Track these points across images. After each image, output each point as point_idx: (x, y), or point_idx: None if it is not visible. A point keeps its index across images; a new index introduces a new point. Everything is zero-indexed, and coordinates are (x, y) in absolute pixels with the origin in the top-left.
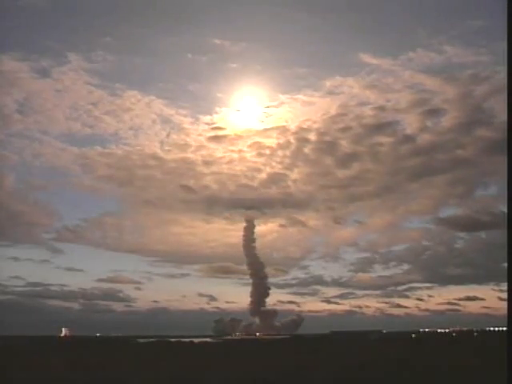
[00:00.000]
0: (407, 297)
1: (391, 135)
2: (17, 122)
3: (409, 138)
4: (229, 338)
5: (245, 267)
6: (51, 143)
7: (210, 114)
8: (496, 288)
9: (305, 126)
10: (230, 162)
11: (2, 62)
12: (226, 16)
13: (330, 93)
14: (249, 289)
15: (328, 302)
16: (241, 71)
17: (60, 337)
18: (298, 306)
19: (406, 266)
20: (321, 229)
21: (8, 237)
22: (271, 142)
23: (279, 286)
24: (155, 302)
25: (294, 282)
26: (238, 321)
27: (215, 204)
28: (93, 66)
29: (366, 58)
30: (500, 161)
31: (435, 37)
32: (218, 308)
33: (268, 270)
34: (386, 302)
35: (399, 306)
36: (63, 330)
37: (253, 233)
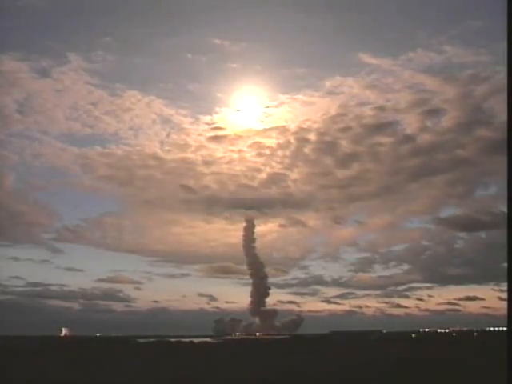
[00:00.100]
0: (407, 297)
1: (391, 135)
2: (17, 122)
3: (409, 138)
4: (229, 337)
5: (245, 267)
6: (51, 143)
7: (210, 114)
8: (496, 288)
9: (305, 126)
10: (230, 161)
11: (2, 62)
12: (226, 16)
13: (330, 93)
14: (249, 289)
15: (328, 301)
16: (241, 71)
17: (60, 337)
18: (298, 306)
19: (405, 266)
20: (321, 229)
21: (8, 237)
22: (271, 142)
23: (279, 286)
24: (155, 302)
25: (293, 282)
26: (238, 321)
27: (215, 204)
28: (93, 66)
29: (366, 58)
30: (500, 161)
31: (435, 37)
32: (217, 308)
33: (268, 270)
34: (386, 302)
35: (399, 305)
36: (63, 330)
37: (253, 233)
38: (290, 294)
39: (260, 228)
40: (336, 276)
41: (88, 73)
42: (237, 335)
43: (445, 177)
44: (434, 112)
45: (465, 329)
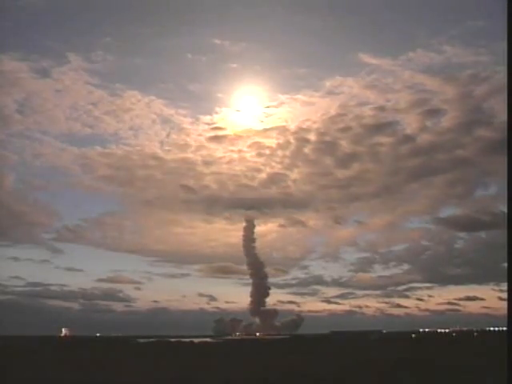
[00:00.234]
0: (407, 297)
1: (391, 135)
2: (17, 122)
3: (409, 138)
4: (229, 337)
5: (245, 267)
6: (51, 143)
7: (210, 114)
8: (496, 288)
9: (304, 126)
10: (230, 162)
11: (2, 62)
12: (226, 16)
13: (330, 93)
14: (249, 289)
15: (328, 301)
16: (241, 71)
17: (60, 337)
18: (298, 306)
19: (405, 266)
20: (321, 229)
21: (8, 237)
22: (271, 142)
23: (279, 286)
24: (155, 301)
25: (293, 282)
26: (238, 321)
27: (215, 204)
28: (93, 66)
29: (366, 58)
30: (500, 161)
31: (435, 37)
32: (218, 308)
33: (268, 270)
34: (386, 302)
35: (399, 306)
36: (63, 330)
37: (253, 233)
38: (290, 293)
39: (260, 228)
40: (336, 276)
41: (88, 73)
42: (237, 335)
43: (445, 177)
44: (434, 112)
45: (465, 329)
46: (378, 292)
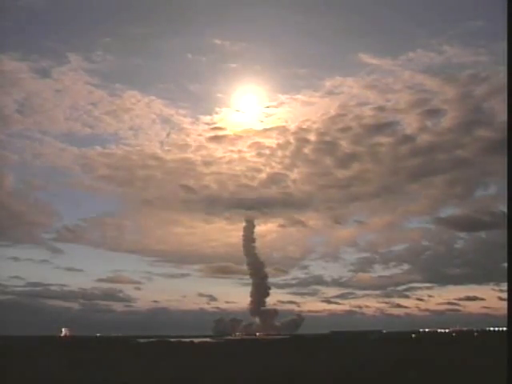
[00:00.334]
0: (407, 297)
1: (391, 135)
2: (17, 122)
3: (408, 138)
4: (229, 337)
5: (245, 267)
6: (51, 143)
7: (210, 114)
8: (496, 288)
9: (304, 126)
10: (230, 162)
11: (2, 62)
12: (226, 16)
13: (330, 93)
14: (249, 289)
15: (328, 302)
16: (241, 71)
17: (60, 337)
18: (298, 306)
19: (405, 266)
20: (321, 229)
21: (8, 237)
22: (271, 142)
23: (279, 286)
24: (155, 301)
25: (293, 281)
26: (238, 321)
27: (215, 204)
28: (93, 66)
29: (366, 58)
30: (500, 161)
31: (435, 37)
32: (218, 308)
33: (268, 270)
34: (386, 302)
35: (399, 305)
36: (63, 330)
37: (253, 233)
38: (290, 294)
39: (260, 228)
40: (336, 276)
41: (88, 73)
42: (237, 335)
43: (445, 177)
44: (434, 112)
45: (465, 329)
46: (377, 292)
